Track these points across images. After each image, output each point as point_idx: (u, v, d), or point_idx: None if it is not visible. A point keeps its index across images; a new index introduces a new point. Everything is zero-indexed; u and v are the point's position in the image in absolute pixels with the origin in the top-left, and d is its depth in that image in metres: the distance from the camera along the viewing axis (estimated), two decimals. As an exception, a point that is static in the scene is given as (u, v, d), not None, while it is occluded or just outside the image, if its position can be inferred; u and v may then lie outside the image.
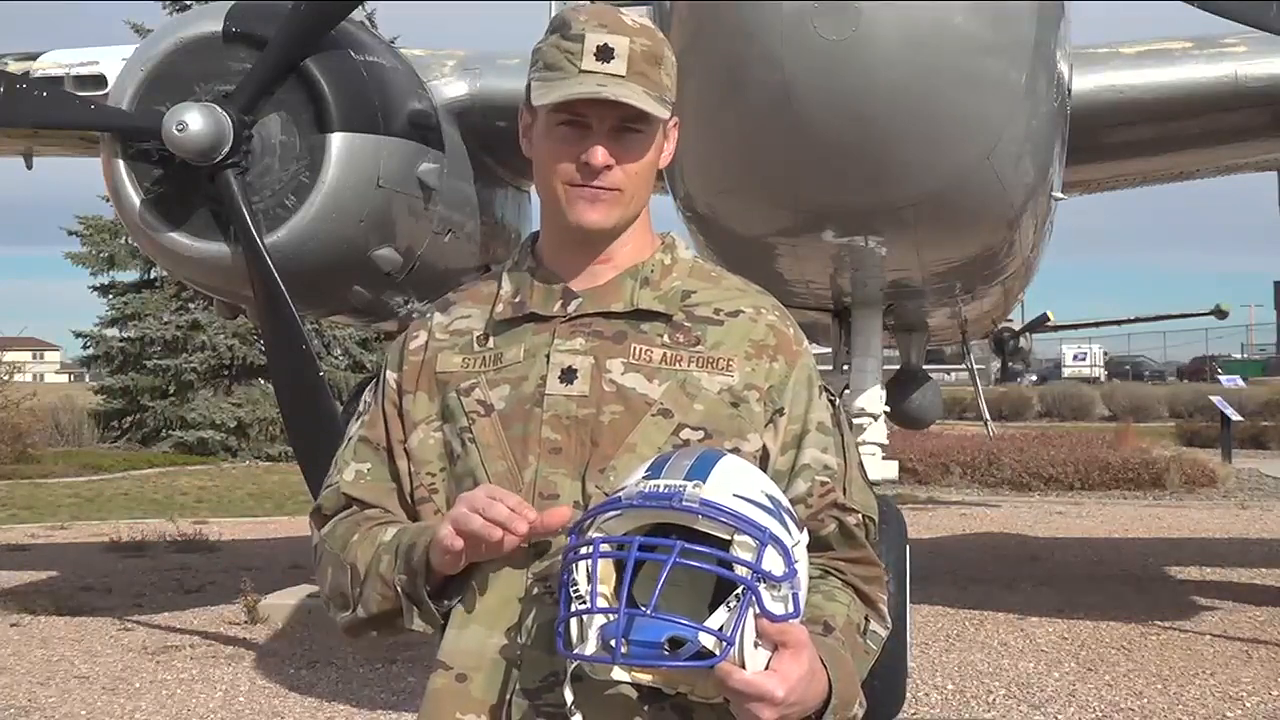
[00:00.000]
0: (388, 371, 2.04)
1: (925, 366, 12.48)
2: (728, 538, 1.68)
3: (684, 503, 1.68)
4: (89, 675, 7.38)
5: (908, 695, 6.26)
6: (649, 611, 1.65)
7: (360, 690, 6.91)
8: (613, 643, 1.66)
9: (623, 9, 1.90)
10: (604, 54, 1.84)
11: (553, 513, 1.80)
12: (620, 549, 1.70)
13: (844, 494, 1.94)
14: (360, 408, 2.06)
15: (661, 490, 1.69)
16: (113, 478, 20.04)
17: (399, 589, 1.87)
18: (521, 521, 1.77)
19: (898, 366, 11.80)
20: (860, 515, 1.95)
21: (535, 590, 1.85)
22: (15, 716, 6.57)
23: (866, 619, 1.92)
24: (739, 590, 1.66)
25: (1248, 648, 7.86)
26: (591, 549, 1.70)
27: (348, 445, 2.04)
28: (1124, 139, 7.66)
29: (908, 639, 6.34)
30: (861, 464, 2.02)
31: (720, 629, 1.65)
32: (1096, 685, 6.99)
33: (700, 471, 1.71)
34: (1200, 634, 8.26)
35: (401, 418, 1.99)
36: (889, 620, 1.97)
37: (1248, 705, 6.61)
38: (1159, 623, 8.57)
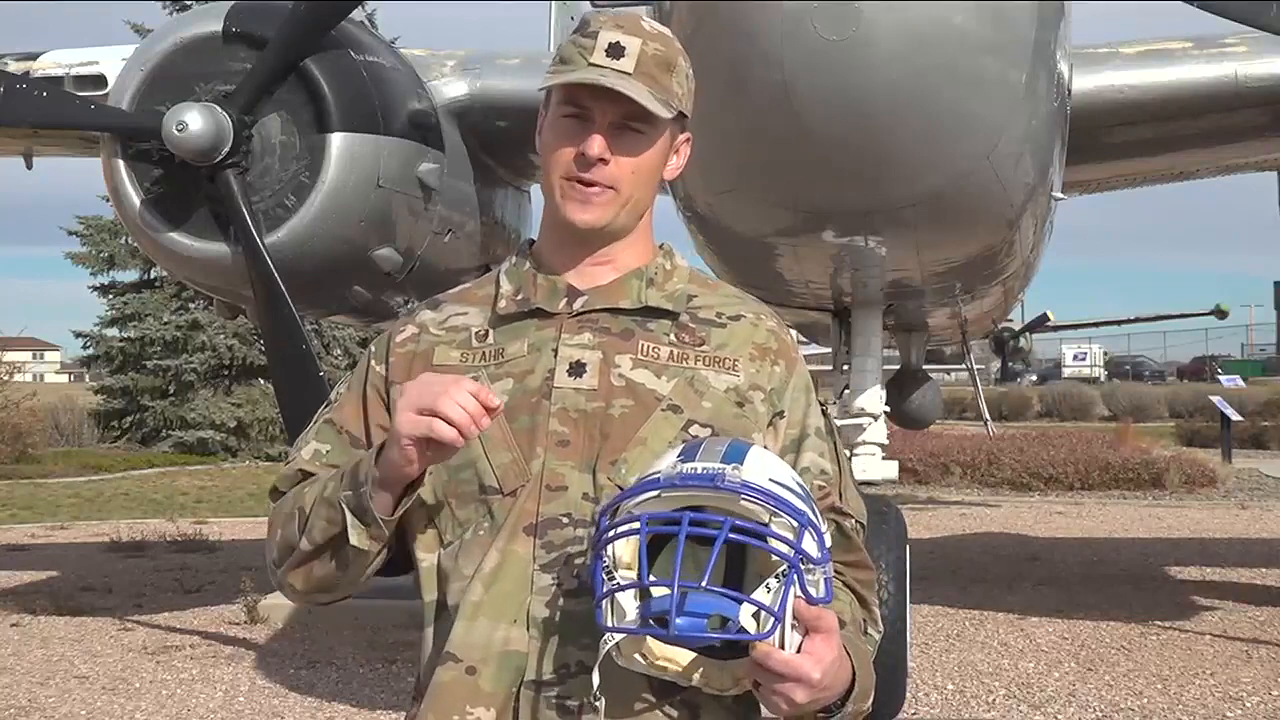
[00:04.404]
0: (373, 363, 2.01)
1: (925, 366, 12.49)
2: (766, 520, 1.70)
3: (727, 483, 1.69)
4: (89, 675, 7.38)
5: (908, 695, 6.26)
6: (703, 584, 1.65)
7: (360, 690, 6.91)
8: (664, 618, 1.65)
9: (643, 20, 1.92)
10: (615, 51, 1.86)
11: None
12: (669, 525, 1.69)
13: (840, 499, 1.97)
14: (332, 397, 2.04)
15: (701, 472, 1.70)
16: (113, 478, 20.03)
17: (343, 506, 1.82)
18: (484, 418, 1.74)
19: (898, 366, 11.80)
20: (855, 520, 1.98)
21: (543, 581, 1.84)
22: (15, 716, 6.57)
23: (864, 621, 1.94)
24: (781, 570, 1.67)
25: (1248, 648, 7.86)
26: (639, 525, 1.69)
27: (311, 427, 2.02)
28: (1124, 139, 7.64)
29: (908, 639, 6.33)
30: (851, 471, 2.06)
31: (768, 605, 1.66)
32: (1096, 685, 6.99)
33: (736, 456, 1.73)
34: (1200, 634, 8.26)
35: (388, 408, 1.95)
36: (881, 625, 2.00)
37: (1248, 705, 6.61)
38: (1159, 623, 8.57)
